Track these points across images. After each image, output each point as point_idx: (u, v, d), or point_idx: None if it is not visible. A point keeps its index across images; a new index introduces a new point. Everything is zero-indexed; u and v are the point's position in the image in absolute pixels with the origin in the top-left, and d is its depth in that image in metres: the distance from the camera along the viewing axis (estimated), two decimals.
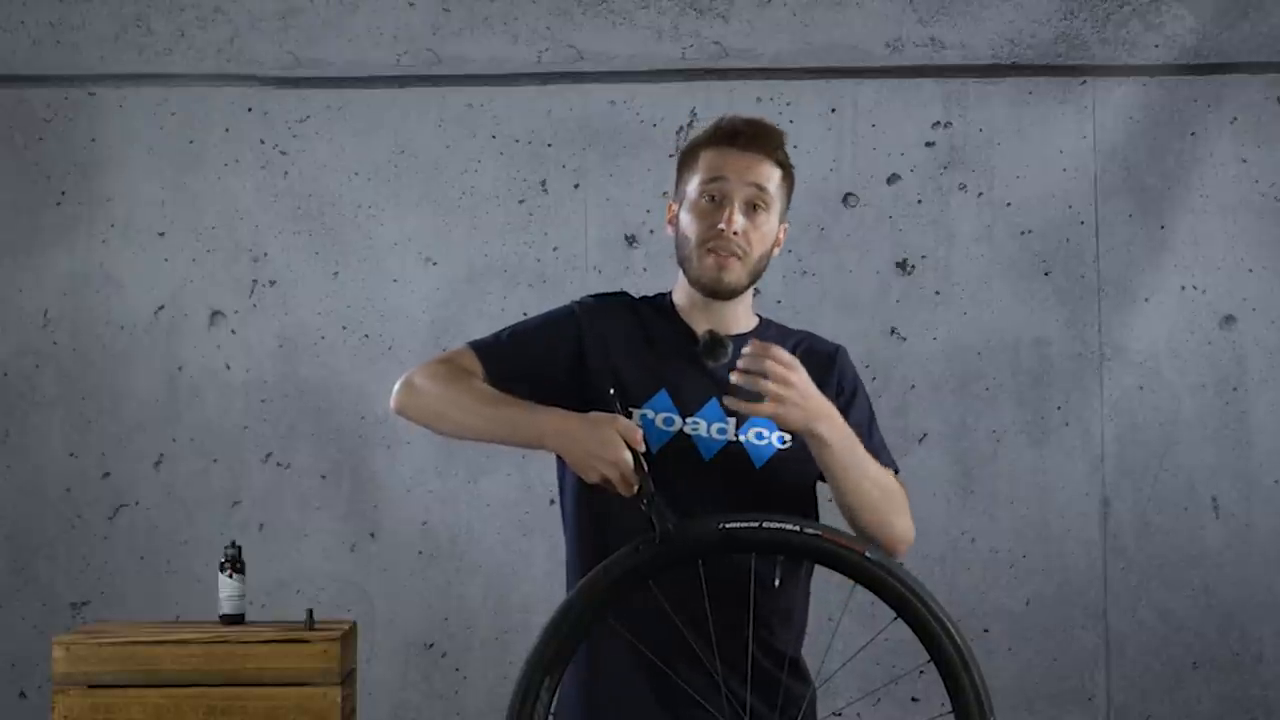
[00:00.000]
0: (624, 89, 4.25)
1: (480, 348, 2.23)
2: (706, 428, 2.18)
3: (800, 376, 2.04)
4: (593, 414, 2.06)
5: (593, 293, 2.34)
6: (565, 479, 2.24)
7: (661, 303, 2.30)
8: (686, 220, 2.21)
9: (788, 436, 2.19)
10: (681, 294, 2.27)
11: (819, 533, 2.03)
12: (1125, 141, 4.24)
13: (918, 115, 4.26)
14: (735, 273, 2.19)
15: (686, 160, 2.25)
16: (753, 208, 2.18)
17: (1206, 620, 4.19)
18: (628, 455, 2.01)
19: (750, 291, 2.26)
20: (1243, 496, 4.21)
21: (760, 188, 2.18)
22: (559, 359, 2.21)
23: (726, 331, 2.21)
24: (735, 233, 2.16)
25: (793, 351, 2.23)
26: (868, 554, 2.03)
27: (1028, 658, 4.19)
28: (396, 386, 2.21)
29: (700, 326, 2.22)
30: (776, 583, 2.11)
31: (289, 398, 4.22)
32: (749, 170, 2.18)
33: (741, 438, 2.18)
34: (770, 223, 2.21)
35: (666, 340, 2.23)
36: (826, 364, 2.26)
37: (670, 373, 2.20)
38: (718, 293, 2.21)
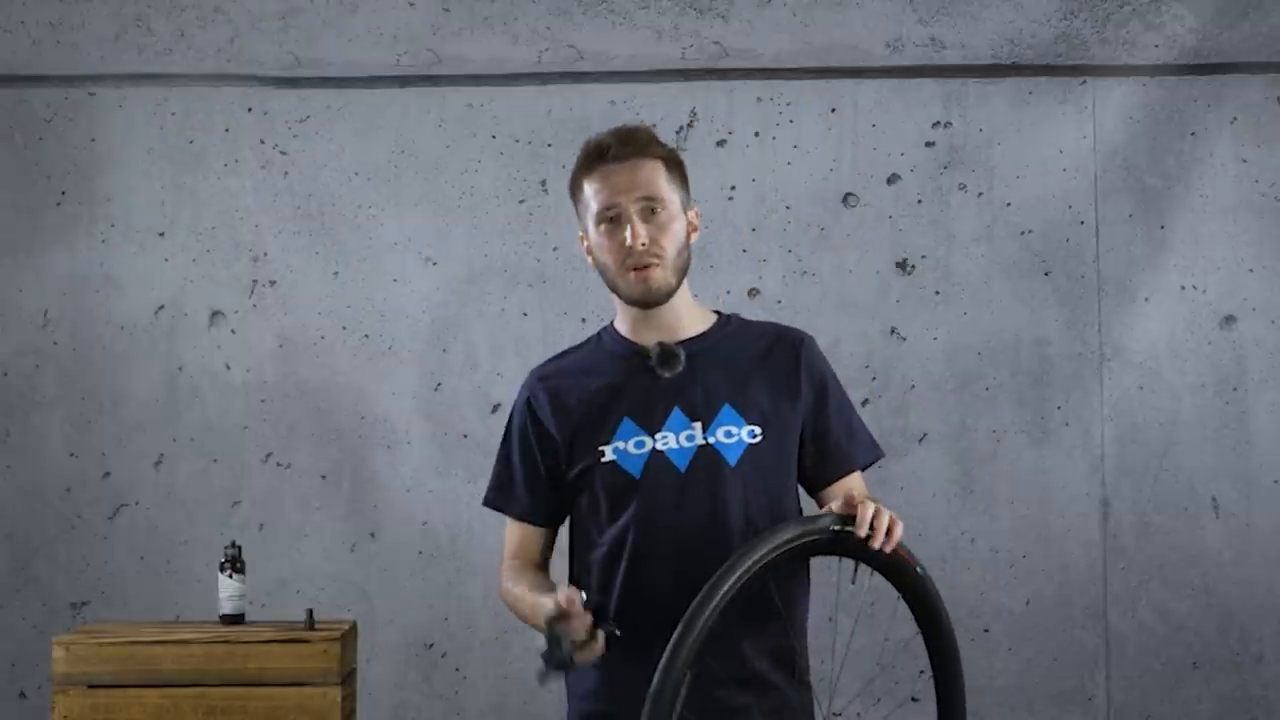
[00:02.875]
0: (624, 89, 4.25)
1: (507, 510, 2.37)
2: (676, 439, 2.21)
3: (890, 515, 2.07)
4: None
5: (539, 364, 2.36)
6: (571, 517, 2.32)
7: (606, 334, 2.32)
8: (598, 249, 2.23)
9: (757, 430, 2.22)
10: (623, 316, 2.29)
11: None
12: (1125, 141, 4.24)
13: (918, 115, 4.26)
14: (659, 278, 2.21)
15: (574, 194, 2.26)
16: (650, 212, 2.20)
17: (1206, 620, 4.19)
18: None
19: (688, 293, 2.29)
20: (1243, 496, 4.21)
21: (648, 195, 2.20)
22: (541, 453, 2.29)
23: (677, 337, 2.25)
24: (643, 244, 2.18)
25: (758, 342, 2.29)
26: (919, 568, 2.11)
27: (1028, 658, 4.19)
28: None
29: (651, 341, 2.25)
30: (851, 582, 2.15)
31: (289, 398, 4.22)
32: (631, 181, 2.19)
33: (710, 439, 2.21)
34: (674, 217, 2.22)
35: (616, 369, 2.26)
36: (792, 354, 2.29)
37: (627, 400, 2.23)
38: (652, 301, 2.23)
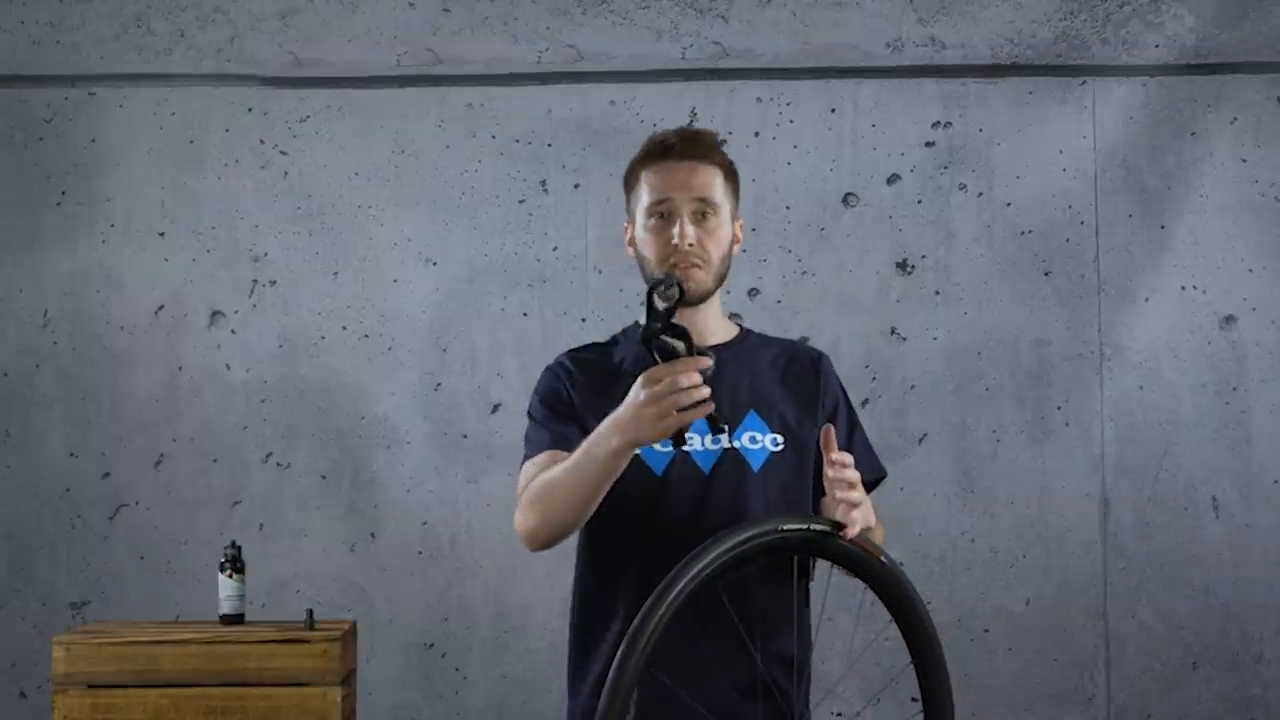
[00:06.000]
0: (624, 89, 4.25)
1: (535, 451, 2.23)
2: (701, 441, 2.21)
3: (858, 478, 2.05)
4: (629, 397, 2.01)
5: (567, 350, 2.34)
6: None
7: (632, 332, 2.32)
8: (642, 241, 2.25)
9: (780, 438, 2.23)
10: None
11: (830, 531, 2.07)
12: (1125, 141, 4.25)
13: (918, 115, 4.26)
14: (698, 279, 2.22)
15: (629, 183, 2.28)
16: (701, 215, 2.22)
17: (1206, 620, 4.19)
18: (680, 386, 1.94)
19: (719, 302, 2.31)
20: (1243, 496, 4.21)
21: (703, 198, 2.22)
22: (573, 411, 2.25)
23: (703, 342, 2.23)
24: (690, 244, 2.20)
25: (779, 356, 2.31)
26: (883, 559, 2.10)
27: (1028, 658, 4.19)
28: (519, 534, 2.19)
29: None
30: (810, 580, 2.16)
31: (289, 398, 4.22)
32: (689, 181, 2.22)
33: (735, 444, 2.21)
34: (722, 225, 2.24)
35: (644, 366, 2.23)
36: (812, 370, 2.32)
37: None
38: (687, 301, 2.20)
